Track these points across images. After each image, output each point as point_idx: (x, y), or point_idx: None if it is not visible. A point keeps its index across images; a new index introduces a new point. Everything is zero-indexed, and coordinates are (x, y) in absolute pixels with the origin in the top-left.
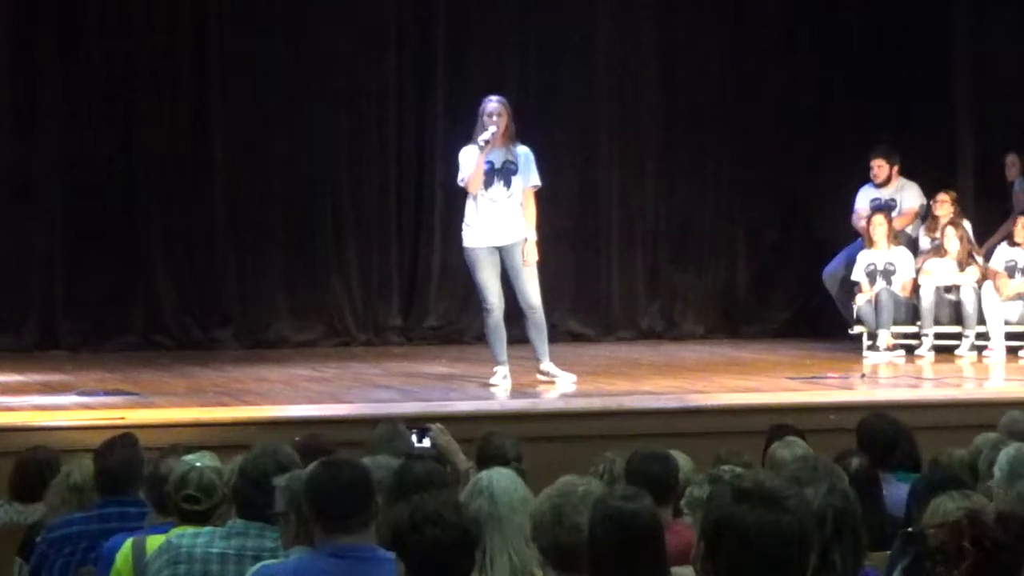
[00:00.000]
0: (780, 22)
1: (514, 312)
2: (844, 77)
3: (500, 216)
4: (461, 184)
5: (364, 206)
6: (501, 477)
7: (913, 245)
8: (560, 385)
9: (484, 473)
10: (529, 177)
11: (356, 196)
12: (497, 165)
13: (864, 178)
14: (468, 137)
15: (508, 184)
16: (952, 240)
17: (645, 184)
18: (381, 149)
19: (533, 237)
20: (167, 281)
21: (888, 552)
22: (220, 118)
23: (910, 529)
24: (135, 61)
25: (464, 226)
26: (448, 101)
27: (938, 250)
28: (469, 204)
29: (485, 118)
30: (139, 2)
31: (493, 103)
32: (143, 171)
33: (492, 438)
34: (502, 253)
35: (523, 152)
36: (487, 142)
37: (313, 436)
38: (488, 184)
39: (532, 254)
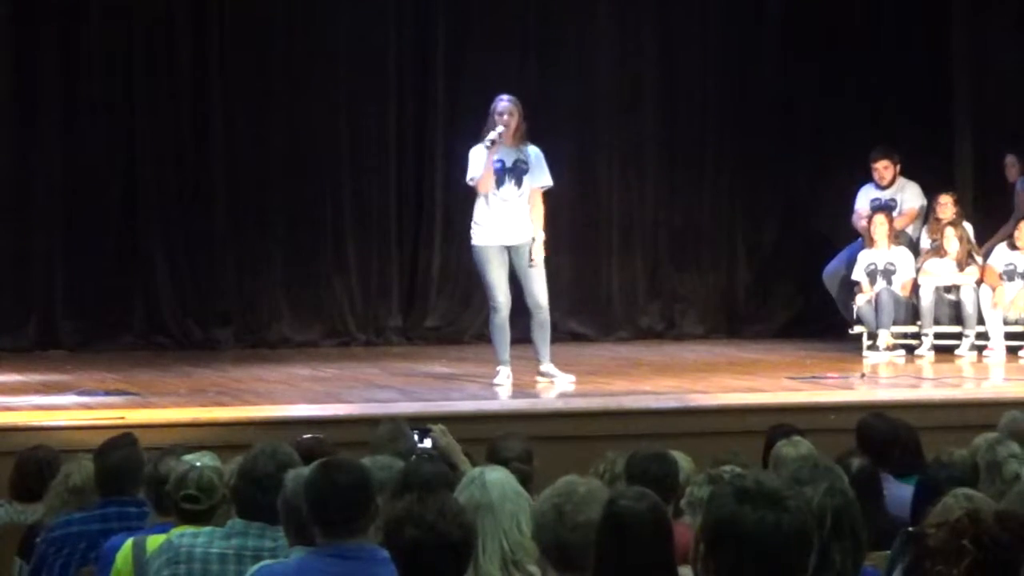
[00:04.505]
0: (780, 22)
1: (515, 312)
2: (844, 77)
3: (511, 215)
4: (470, 183)
5: (364, 206)
6: (494, 470)
7: (914, 246)
8: (559, 385)
9: (477, 468)
10: (539, 177)
11: (356, 196)
12: (508, 164)
13: (864, 178)
14: (476, 136)
15: (519, 183)
16: (952, 240)
17: (645, 184)
18: (381, 149)
19: (541, 237)
20: (167, 281)
21: (888, 552)
22: (220, 118)
23: (910, 529)
24: (135, 61)
25: (473, 224)
26: (448, 101)
27: (938, 250)
28: (479, 203)
29: (496, 117)
30: (139, 2)
31: (504, 102)
32: (143, 171)
33: (499, 441)
34: (511, 252)
35: (534, 152)
36: (493, 142)
37: (314, 438)
38: (499, 183)
39: (539, 253)
